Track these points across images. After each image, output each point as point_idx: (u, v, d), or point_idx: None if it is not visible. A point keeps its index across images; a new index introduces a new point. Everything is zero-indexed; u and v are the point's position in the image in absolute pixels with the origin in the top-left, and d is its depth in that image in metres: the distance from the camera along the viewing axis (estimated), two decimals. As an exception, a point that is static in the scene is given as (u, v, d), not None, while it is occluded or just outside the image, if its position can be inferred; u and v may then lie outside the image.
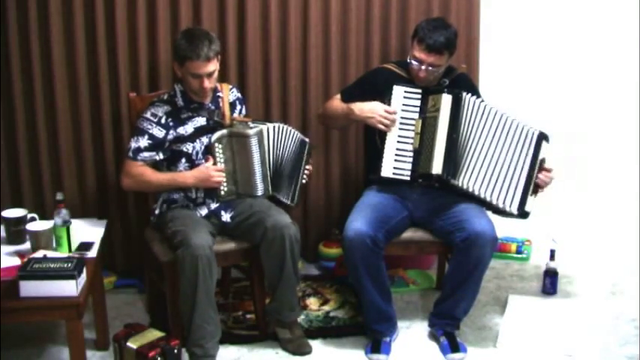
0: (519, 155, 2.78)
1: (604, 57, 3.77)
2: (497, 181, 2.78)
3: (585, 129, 3.84)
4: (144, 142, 2.79)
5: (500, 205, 2.78)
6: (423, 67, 2.85)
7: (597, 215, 3.88)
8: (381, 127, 2.84)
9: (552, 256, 3.36)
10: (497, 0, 3.65)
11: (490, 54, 3.63)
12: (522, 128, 2.78)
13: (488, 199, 2.78)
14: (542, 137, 2.79)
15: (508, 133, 2.79)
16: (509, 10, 3.70)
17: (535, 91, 3.78)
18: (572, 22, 3.73)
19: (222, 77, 3.24)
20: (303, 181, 2.96)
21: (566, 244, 3.74)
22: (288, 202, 2.92)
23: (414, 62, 2.87)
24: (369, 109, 2.85)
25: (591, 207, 3.89)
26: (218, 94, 2.93)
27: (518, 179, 2.77)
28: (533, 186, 2.78)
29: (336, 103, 3.04)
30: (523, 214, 2.79)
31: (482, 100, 2.81)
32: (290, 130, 2.92)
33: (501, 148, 2.78)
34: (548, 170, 2.82)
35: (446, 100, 2.78)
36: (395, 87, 2.86)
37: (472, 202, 2.85)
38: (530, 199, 2.78)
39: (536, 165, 2.77)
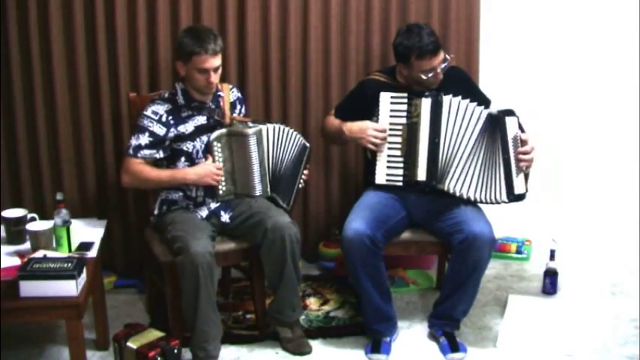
0: (489, 142, 2.76)
1: (604, 56, 3.76)
2: (478, 178, 2.78)
3: (585, 128, 3.84)
4: (144, 139, 2.79)
5: (490, 201, 2.78)
6: (439, 70, 2.84)
7: (597, 215, 3.88)
8: (371, 147, 2.85)
9: (552, 256, 3.36)
10: (497, 1, 3.65)
11: (490, 54, 3.63)
12: (481, 113, 2.76)
13: (478, 200, 2.80)
14: (504, 114, 2.74)
15: (475, 124, 2.77)
16: (509, 11, 3.70)
17: (535, 90, 3.78)
18: (572, 22, 3.72)
19: (222, 77, 3.23)
20: (300, 185, 2.96)
21: (566, 244, 3.74)
22: (284, 206, 2.92)
23: (428, 75, 2.83)
24: (358, 130, 2.87)
25: (591, 207, 3.89)
26: (219, 93, 2.94)
27: (496, 168, 2.75)
28: (516, 166, 2.75)
29: (332, 120, 3.05)
30: (516, 198, 2.77)
31: (464, 100, 2.79)
32: (291, 132, 2.91)
33: (474, 141, 2.78)
34: (525, 142, 2.78)
35: (425, 104, 2.79)
36: (382, 94, 2.87)
37: (470, 204, 2.86)
38: (518, 180, 2.76)
39: (509, 145, 2.73)
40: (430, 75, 2.84)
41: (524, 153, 2.76)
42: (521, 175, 2.78)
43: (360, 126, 2.87)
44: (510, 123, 2.74)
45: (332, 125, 3.04)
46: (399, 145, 2.86)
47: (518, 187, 2.76)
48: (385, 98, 2.86)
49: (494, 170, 2.76)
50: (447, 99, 2.78)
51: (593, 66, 3.77)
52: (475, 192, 2.79)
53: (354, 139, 2.91)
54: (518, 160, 2.75)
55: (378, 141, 2.84)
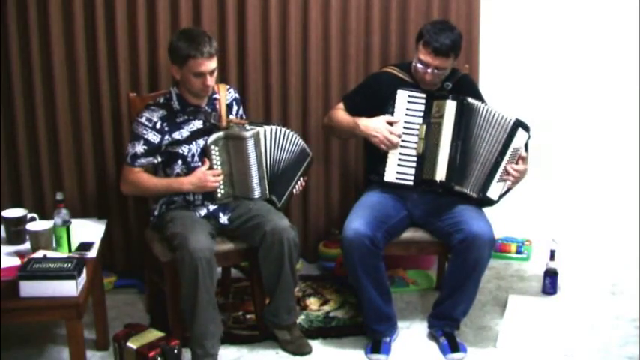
0: (494, 143, 2.77)
1: (605, 56, 3.76)
2: (473, 171, 2.79)
3: (585, 128, 3.84)
4: (140, 147, 2.78)
5: (465, 191, 2.79)
6: (429, 70, 2.83)
7: (597, 215, 3.88)
8: (383, 147, 2.84)
9: (552, 256, 3.36)
10: (497, 1, 3.65)
11: (490, 54, 3.63)
12: (501, 117, 2.77)
13: (464, 191, 2.80)
14: (518, 125, 2.77)
15: (493, 126, 2.78)
16: (509, 11, 3.70)
17: (535, 90, 3.78)
18: (572, 22, 3.73)
19: (222, 77, 3.24)
20: (295, 191, 2.94)
21: (566, 244, 3.74)
22: (276, 203, 2.89)
23: (419, 65, 2.84)
24: (374, 128, 2.84)
25: (591, 207, 3.89)
26: (215, 95, 2.92)
27: (486, 165, 2.78)
28: (501, 173, 2.77)
29: (342, 114, 3.02)
30: (485, 200, 2.79)
31: (486, 105, 2.81)
32: (289, 134, 2.90)
33: (486, 141, 2.79)
34: (523, 159, 2.80)
35: (450, 106, 2.78)
36: (399, 91, 2.85)
37: (470, 204, 2.86)
38: (496, 185, 2.78)
39: (507, 152, 2.76)
40: (420, 67, 2.84)
41: (516, 170, 2.79)
42: (501, 184, 2.80)
43: (377, 125, 2.84)
44: (520, 135, 2.77)
45: (343, 119, 3.00)
46: (413, 145, 2.84)
47: (492, 192, 2.79)
48: (402, 96, 2.85)
49: (483, 166, 2.78)
50: (475, 103, 2.78)
51: (593, 66, 3.77)
52: (466, 183, 2.81)
53: (367, 136, 2.87)
54: (506, 171, 2.78)
55: (389, 144, 2.82)
